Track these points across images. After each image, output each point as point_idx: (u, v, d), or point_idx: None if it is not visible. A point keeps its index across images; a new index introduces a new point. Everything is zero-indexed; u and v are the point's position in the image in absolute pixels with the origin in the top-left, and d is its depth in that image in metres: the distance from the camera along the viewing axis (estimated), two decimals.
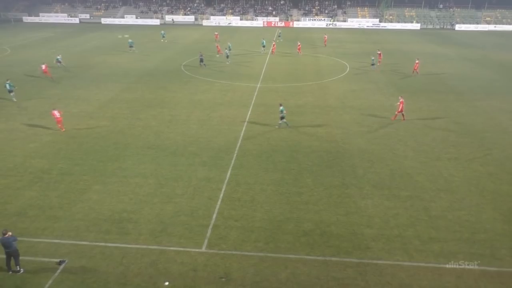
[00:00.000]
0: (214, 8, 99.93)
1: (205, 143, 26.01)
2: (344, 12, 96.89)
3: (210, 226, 17.40)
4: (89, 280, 14.29)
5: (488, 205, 19.06)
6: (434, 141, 26.36)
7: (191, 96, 36.29)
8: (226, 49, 52.55)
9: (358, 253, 15.78)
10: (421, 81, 41.93)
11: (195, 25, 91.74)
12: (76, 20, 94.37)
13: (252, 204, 19.11)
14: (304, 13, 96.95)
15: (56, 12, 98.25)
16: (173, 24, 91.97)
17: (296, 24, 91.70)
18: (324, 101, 34.91)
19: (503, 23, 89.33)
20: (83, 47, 61.17)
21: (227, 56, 50.21)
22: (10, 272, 14.55)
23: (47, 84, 39.75)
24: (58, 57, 46.96)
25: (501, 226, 17.49)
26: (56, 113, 27.29)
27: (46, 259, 15.30)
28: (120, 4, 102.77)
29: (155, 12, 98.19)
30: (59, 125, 27.63)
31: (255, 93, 37.13)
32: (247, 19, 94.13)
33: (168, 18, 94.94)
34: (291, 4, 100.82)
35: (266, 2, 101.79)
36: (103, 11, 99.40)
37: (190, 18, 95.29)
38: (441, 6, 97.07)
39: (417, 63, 44.24)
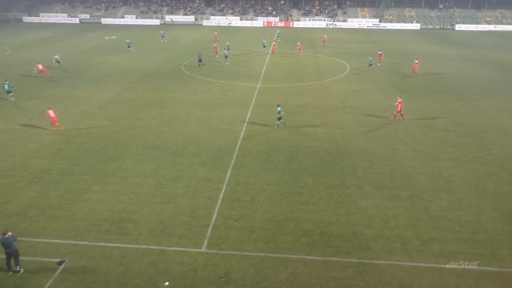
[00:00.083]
0: (214, 8, 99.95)
1: (205, 143, 26.01)
2: (344, 12, 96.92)
3: (210, 226, 17.40)
4: (89, 280, 14.29)
5: (488, 205, 19.06)
6: (434, 141, 26.37)
7: (191, 96, 36.29)
8: (225, 49, 52.52)
9: (358, 253, 15.78)
10: (421, 81, 41.94)
11: (195, 25, 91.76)
12: (76, 20, 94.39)
13: (252, 204, 19.11)
14: (304, 13, 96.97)
15: (56, 12, 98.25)
16: (173, 24, 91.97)
17: (296, 24, 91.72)
18: (324, 101, 34.91)
19: (503, 23, 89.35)
20: (83, 47, 61.17)
21: (226, 56, 50.16)
22: (10, 272, 14.55)
23: (47, 84, 39.75)
24: (56, 57, 46.89)
25: (501, 226, 17.49)
26: (51, 112, 27.29)
27: (46, 259, 15.30)
28: (120, 4, 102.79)
29: (155, 12, 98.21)
30: (57, 124, 27.58)
31: (255, 93, 37.13)
32: (247, 19, 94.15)
33: (168, 18, 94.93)
34: (291, 4, 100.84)
35: (266, 2, 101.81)
36: (103, 11, 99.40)
37: (190, 18, 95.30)
38: (441, 6, 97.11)
39: (416, 63, 44.23)
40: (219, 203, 19.17)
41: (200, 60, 47.42)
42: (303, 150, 25.02)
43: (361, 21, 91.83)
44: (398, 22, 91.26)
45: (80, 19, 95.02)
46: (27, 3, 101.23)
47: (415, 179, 21.47)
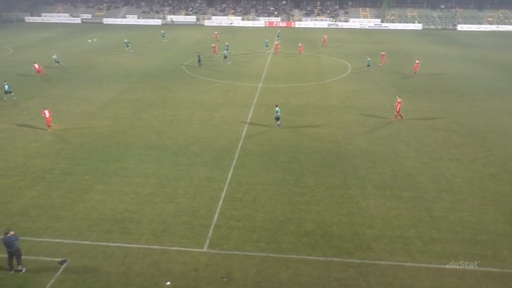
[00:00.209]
0: (216, 8, 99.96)
1: (207, 143, 26.02)
2: (346, 12, 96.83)
3: (212, 226, 17.41)
4: (91, 280, 14.32)
5: (490, 206, 19.02)
6: (436, 142, 26.33)
7: (193, 96, 36.31)
8: (224, 49, 52.51)
9: (360, 254, 15.77)
10: (422, 81, 41.88)
11: (197, 25, 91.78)
12: (78, 20, 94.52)
13: (253, 204, 19.11)
14: (305, 13, 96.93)
15: (58, 12, 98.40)
16: (173, 24, 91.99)
17: (297, 24, 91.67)
18: (326, 102, 34.90)
19: (505, 24, 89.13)
20: (85, 47, 61.25)
21: (225, 57, 50.13)
22: (13, 272, 14.59)
23: (49, 84, 39.82)
24: (54, 56, 46.87)
25: (503, 227, 17.46)
26: (47, 112, 27.37)
27: (48, 259, 15.33)
28: (122, 4, 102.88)
29: (157, 12, 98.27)
30: (49, 124, 27.71)
31: (257, 93, 37.14)
32: (248, 19, 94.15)
33: (169, 18, 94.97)
34: (293, 4, 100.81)
35: (268, 2, 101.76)
36: (105, 11, 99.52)
37: (192, 18, 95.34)
38: (443, 6, 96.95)
39: (417, 63, 44.19)
40: (220, 203, 19.19)
41: (199, 60, 47.52)
42: (304, 150, 25.02)
43: (362, 21, 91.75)
44: (400, 22, 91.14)
45: (82, 19, 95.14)
46: (29, 3, 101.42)
47: (417, 179, 21.45)
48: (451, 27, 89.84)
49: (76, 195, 19.75)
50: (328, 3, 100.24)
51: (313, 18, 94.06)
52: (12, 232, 14.43)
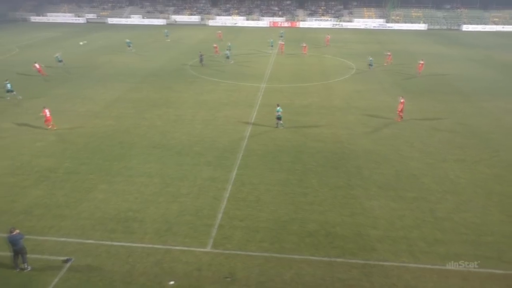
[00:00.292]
0: (220, 8, 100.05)
1: (210, 143, 26.06)
2: (350, 13, 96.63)
3: (215, 226, 17.43)
4: (95, 279, 14.38)
5: (495, 207, 18.93)
6: (440, 143, 26.23)
7: (197, 96, 36.37)
8: (226, 49, 52.55)
9: (363, 254, 15.74)
10: (426, 82, 41.73)
11: (201, 25, 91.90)
12: (83, 20, 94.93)
13: (257, 204, 19.12)
14: (310, 13, 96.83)
15: (63, 12, 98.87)
16: (176, 24, 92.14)
17: (302, 24, 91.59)
18: (330, 102, 34.85)
19: (510, 24, 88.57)
20: (89, 47, 61.47)
21: (228, 57, 50.17)
22: (18, 270, 14.68)
23: (54, 84, 40.00)
24: (57, 55, 46.93)
25: (508, 228, 17.36)
26: (47, 111, 27.51)
27: (53, 257, 15.41)
28: (126, 4, 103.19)
29: (161, 12, 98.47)
30: (46, 123, 27.84)
31: (261, 93, 37.14)
32: (252, 19, 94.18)
33: (173, 18, 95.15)
34: (297, 4, 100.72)
35: (272, 2, 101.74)
36: (109, 11, 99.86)
37: (196, 18, 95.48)
38: (448, 6, 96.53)
39: (421, 64, 44.03)
40: (224, 203, 19.21)
41: (201, 60, 47.60)
42: (308, 150, 25.00)
43: (367, 22, 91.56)
44: (405, 22, 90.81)
45: (87, 18, 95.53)
46: (35, 3, 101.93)
47: (421, 180, 21.38)
48: (456, 27, 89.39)
49: (80, 194, 19.84)
50: (333, 3, 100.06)
51: (317, 18, 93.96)
52: (17, 231, 14.53)
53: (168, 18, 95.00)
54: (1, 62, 49.86)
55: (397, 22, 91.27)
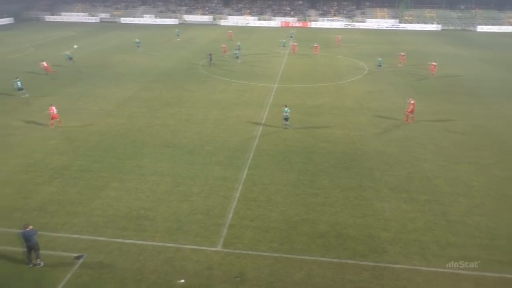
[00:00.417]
0: (232, 8, 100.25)
1: (222, 142, 26.12)
2: (363, 13, 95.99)
3: (226, 225, 17.47)
4: (106, 276, 14.52)
5: (509, 211, 18.63)
6: (452, 145, 25.92)
7: (209, 95, 36.49)
8: (236, 49, 52.61)
9: (375, 257, 15.62)
10: (439, 83, 41.25)
11: (213, 25, 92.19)
12: (96, 19, 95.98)
13: (267, 204, 19.11)
14: (321, 14, 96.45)
15: (77, 11, 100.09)
16: (187, 24, 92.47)
17: (314, 25, 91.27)
18: (341, 102, 34.68)
19: None
20: (102, 46, 62.13)
21: (237, 57, 50.27)
22: (31, 265, 14.89)
23: (67, 82, 40.49)
24: (67, 52, 47.17)
25: None
26: (54, 109, 27.82)
27: (65, 254, 15.60)
28: (139, 3, 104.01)
29: (174, 11, 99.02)
30: (51, 122, 28.16)
31: (272, 93, 37.12)
32: (264, 19, 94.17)
33: (186, 17, 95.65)
34: (309, 5, 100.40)
35: (284, 2, 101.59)
36: (122, 10, 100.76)
37: (208, 18, 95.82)
38: (462, 7, 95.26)
39: (434, 65, 43.52)
40: (235, 202, 19.24)
41: (210, 59, 47.80)
42: (319, 151, 24.91)
43: (379, 22, 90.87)
44: (418, 23, 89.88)
45: (100, 18, 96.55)
46: (49, 2, 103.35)
47: (434, 182, 21.14)
48: (470, 28, 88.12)
49: (93, 192, 20.06)
50: (345, 3, 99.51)
51: (329, 19, 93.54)
52: (30, 227, 14.75)
53: (180, 17, 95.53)
54: (14, 61, 50.65)
55: (410, 22, 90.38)
